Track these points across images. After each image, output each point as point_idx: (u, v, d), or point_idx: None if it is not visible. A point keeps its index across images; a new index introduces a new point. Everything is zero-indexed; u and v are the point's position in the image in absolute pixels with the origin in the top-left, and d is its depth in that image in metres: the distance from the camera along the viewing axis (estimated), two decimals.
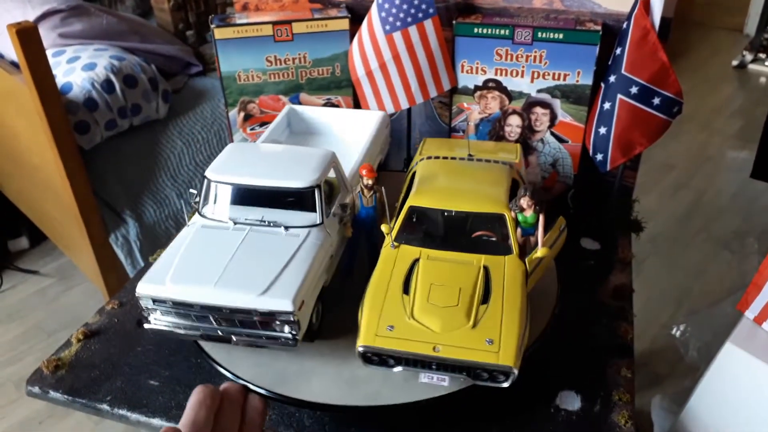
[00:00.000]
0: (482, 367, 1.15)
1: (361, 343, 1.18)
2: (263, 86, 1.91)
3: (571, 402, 1.37)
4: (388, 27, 1.75)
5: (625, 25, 1.67)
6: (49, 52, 2.93)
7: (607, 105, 1.72)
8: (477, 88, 1.86)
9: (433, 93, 1.85)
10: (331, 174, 1.43)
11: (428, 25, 1.75)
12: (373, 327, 1.19)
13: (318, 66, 1.90)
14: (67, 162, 2.73)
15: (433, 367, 1.18)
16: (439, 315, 1.20)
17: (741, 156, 4.76)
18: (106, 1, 3.85)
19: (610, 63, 1.71)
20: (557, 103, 1.82)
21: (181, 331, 1.28)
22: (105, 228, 2.87)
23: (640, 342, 3.07)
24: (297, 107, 1.89)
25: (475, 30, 1.77)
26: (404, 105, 1.86)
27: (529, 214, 1.32)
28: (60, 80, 2.84)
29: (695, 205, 4.24)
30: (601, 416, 1.34)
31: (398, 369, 1.20)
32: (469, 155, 1.60)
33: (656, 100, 1.68)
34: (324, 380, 1.27)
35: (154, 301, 1.25)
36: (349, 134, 1.82)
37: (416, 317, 1.20)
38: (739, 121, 5.27)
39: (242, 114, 1.94)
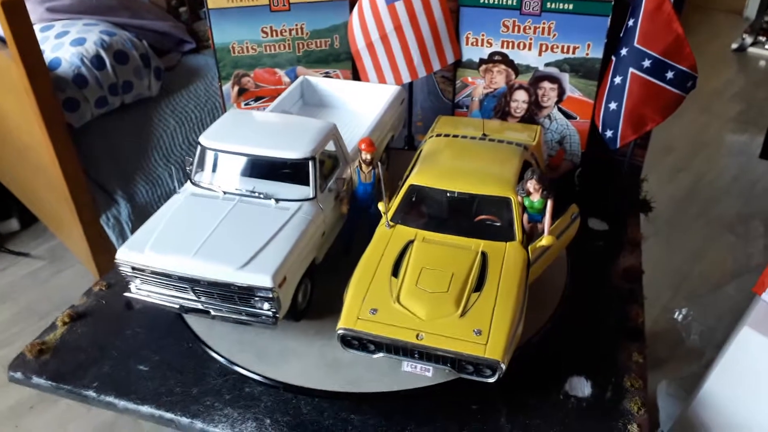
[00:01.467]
0: (467, 359, 1.07)
1: (341, 326, 1.12)
2: (258, 58, 1.82)
3: (581, 388, 1.30)
4: None
5: None
6: (36, 27, 2.83)
7: (618, 79, 1.64)
8: (482, 61, 1.78)
9: (436, 66, 1.77)
10: (332, 148, 1.36)
11: None
12: (356, 309, 1.12)
13: (316, 38, 1.82)
14: (56, 140, 2.63)
15: (416, 355, 1.11)
16: (426, 301, 1.12)
17: (741, 139, 4.69)
18: None
19: (621, 35, 1.64)
20: (565, 78, 1.74)
21: (161, 302, 1.22)
22: (96, 208, 2.79)
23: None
24: (311, 78, 1.81)
25: (482, 0, 1.69)
26: (406, 79, 1.78)
27: (536, 198, 1.25)
28: (48, 56, 2.74)
29: (695, 188, 4.18)
30: (613, 403, 1.27)
31: (379, 355, 1.14)
32: (483, 134, 1.53)
33: (670, 74, 1.61)
34: (305, 362, 1.22)
35: (133, 268, 1.19)
36: (364, 108, 1.75)
37: (402, 302, 1.13)
38: (739, 104, 5.19)
39: (236, 88, 1.86)
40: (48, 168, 2.82)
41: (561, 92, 1.76)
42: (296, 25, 1.79)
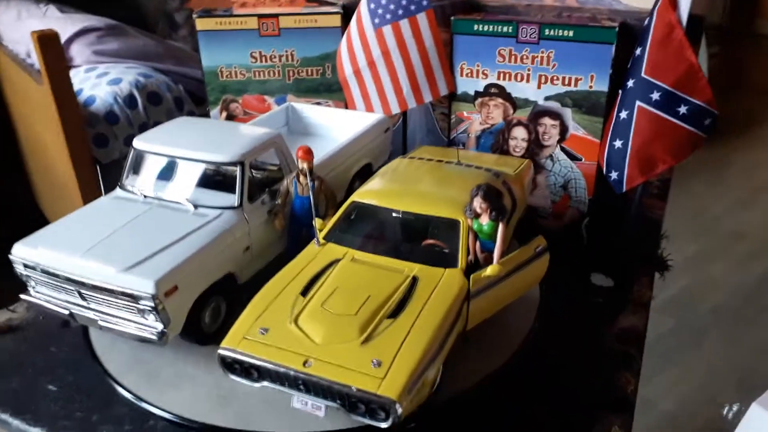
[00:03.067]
0: (357, 396, 0.88)
1: (222, 345, 0.95)
2: (247, 84, 1.76)
3: None
4: (377, 20, 1.58)
5: (646, 22, 1.42)
6: (82, 68, 2.96)
7: (624, 114, 1.45)
8: (478, 94, 1.64)
9: (428, 98, 1.64)
10: (276, 160, 1.24)
11: (422, 19, 1.57)
12: (244, 328, 0.96)
13: (307, 65, 1.75)
14: (81, 173, 2.67)
15: (301, 387, 0.93)
16: (326, 323, 0.95)
17: None
18: (165, 29, 3.91)
19: (629, 66, 1.46)
20: (568, 113, 1.56)
21: (53, 306, 1.12)
22: None
23: (691, 421, 2.64)
24: (296, 104, 1.73)
25: (475, 27, 1.57)
26: (395, 109, 1.66)
27: (485, 221, 1.07)
28: (86, 93, 2.84)
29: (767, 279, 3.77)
30: None
31: (261, 385, 0.96)
32: (457, 162, 1.37)
33: (683, 109, 1.40)
34: (197, 390, 1.07)
35: (25, 266, 1.09)
36: (346, 136, 1.63)
37: (299, 323, 0.96)
38: None
39: (224, 114, 1.80)
40: (73, 200, 2.86)
41: (563, 130, 1.58)
42: (286, 51, 1.72)
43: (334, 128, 1.66)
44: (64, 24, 3.04)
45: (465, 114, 1.67)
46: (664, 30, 1.39)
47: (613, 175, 1.49)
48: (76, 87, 2.74)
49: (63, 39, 2.78)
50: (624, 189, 1.49)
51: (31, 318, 1.46)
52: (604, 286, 1.53)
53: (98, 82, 2.88)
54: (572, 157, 1.60)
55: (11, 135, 3.40)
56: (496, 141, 1.66)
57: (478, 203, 1.05)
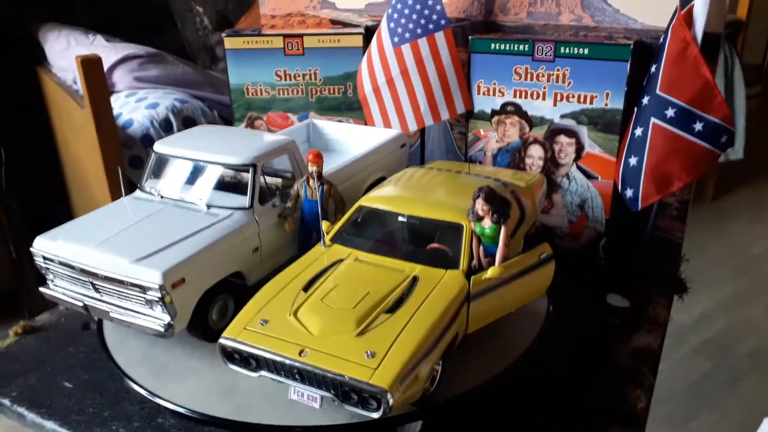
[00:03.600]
0: (350, 385, 0.89)
1: (223, 335, 0.98)
2: (272, 102, 1.82)
3: None
4: (396, 39, 1.62)
5: (662, 39, 1.43)
6: (123, 93, 3.09)
7: (639, 131, 1.45)
8: (494, 112, 1.66)
9: (445, 115, 1.67)
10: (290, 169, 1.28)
11: (440, 37, 1.60)
12: (246, 319, 0.99)
13: (329, 84, 1.80)
14: (116, 193, 2.76)
15: (297, 377, 0.94)
16: (324, 316, 0.97)
17: None
18: (206, 61, 4.06)
19: (644, 83, 1.47)
20: (584, 131, 1.57)
21: (68, 299, 1.16)
22: None
23: None
24: (317, 121, 1.78)
25: (492, 46, 1.60)
26: (413, 126, 1.68)
27: (488, 225, 1.07)
28: (124, 117, 2.95)
29: None
30: None
31: (259, 374, 0.98)
32: (467, 172, 1.39)
33: (698, 126, 1.40)
34: (200, 384, 1.09)
35: (45, 258, 1.14)
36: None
37: (298, 316, 0.98)
38: None
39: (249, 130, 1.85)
40: None
41: (579, 148, 1.58)
42: (309, 70, 1.78)
43: (354, 144, 1.69)
44: (109, 52, 3.18)
45: (482, 132, 1.69)
46: (678, 47, 1.39)
47: (629, 192, 1.49)
48: (116, 111, 2.86)
49: (106, 66, 2.92)
50: (640, 207, 1.47)
51: (54, 320, 1.51)
52: (621, 306, 1.50)
53: (137, 106, 3.00)
54: (588, 176, 1.60)
55: (54, 157, 3.54)
56: (512, 159, 1.67)
57: (479, 205, 1.06)
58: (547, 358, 1.29)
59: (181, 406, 1.02)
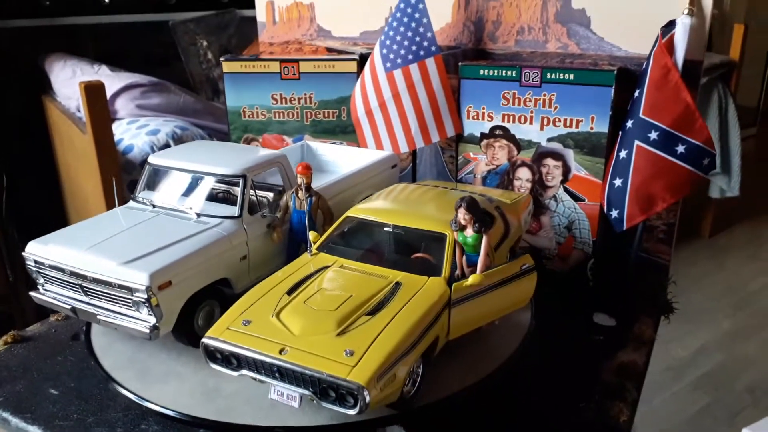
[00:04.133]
0: (328, 382, 0.90)
1: (207, 334, 1.00)
2: (267, 124, 1.86)
3: None
4: (389, 64, 1.67)
5: (644, 66, 1.48)
6: (125, 120, 3.15)
7: (623, 153, 1.49)
8: (483, 136, 1.70)
9: (435, 138, 1.71)
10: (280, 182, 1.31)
11: (430, 63, 1.66)
12: (229, 320, 1.01)
13: (324, 108, 1.85)
14: None
15: (277, 375, 0.95)
16: (306, 317, 0.99)
17: None
18: (208, 93, 4.13)
19: (628, 108, 1.51)
20: (570, 154, 1.61)
21: (58, 302, 1.18)
22: None
23: None
24: (311, 142, 1.82)
25: (481, 72, 1.65)
26: (403, 148, 1.73)
27: (470, 234, 1.10)
28: (125, 143, 3.00)
29: None
30: None
31: (240, 373, 0.99)
32: (455, 187, 1.43)
33: (680, 148, 1.43)
34: (183, 386, 1.10)
35: (36, 262, 1.16)
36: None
37: (281, 317, 1.00)
38: None
39: None
40: None
41: (566, 170, 1.62)
42: (305, 94, 1.83)
43: (346, 164, 1.73)
44: (112, 80, 3.25)
45: (471, 155, 1.73)
46: (660, 72, 1.44)
47: (614, 213, 1.51)
48: (117, 136, 2.91)
49: (109, 93, 2.99)
50: (625, 227, 1.50)
51: (44, 330, 1.53)
52: (607, 325, 1.51)
53: (138, 132, 3.05)
54: (575, 198, 1.63)
55: (55, 182, 3.59)
56: (501, 181, 1.71)
57: (461, 215, 1.09)
58: (530, 371, 1.30)
59: (165, 407, 1.03)
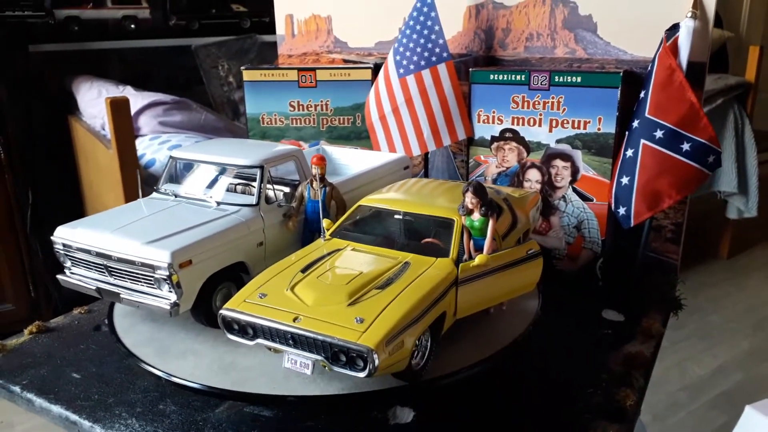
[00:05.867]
0: (339, 346, 0.95)
1: (224, 307, 1.05)
2: (285, 131, 1.93)
3: None
4: (402, 70, 1.74)
5: (649, 67, 1.52)
6: (148, 137, 3.25)
7: (630, 152, 1.53)
8: (494, 139, 1.75)
9: (446, 141, 1.76)
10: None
11: (442, 69, 1.72)
12: (246, 293, 1.06)
13: (339, 114, 1.91)
14: None
15: (290, 342, 0.99)
16: (319, 290, 1.04)
17: None
18: (228, 114, 4.24)
19: (634, 109, 1.55)
20: (578, 155, 1.65)
21: (84, 284, 1.24)
22: None
23: None
24: (327, 146, 1.88)
25: (491, 77, 1.70)
26: (416, 151, 1.78)
27: (477, 217, 1.14)
28: (147, 157, 3.10)
29: None
30: None
31: (256, 342, 1.04)
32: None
33: (686, 146, 1.47)
34: (200, 361, 1.16)
35: (64, 245, 1.22)
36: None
37: (295, 290, 1.05)
38: None
39: None
40: None
41: (575, 171, 1.66)
42: (321, 101, 1.90)
43: (360, 167, 1.79)
44: (136, 99, 3.36)
45: (482, 158, 1.77)
46: (665, 73, 1.48)
47: (621, 210, 1.55)
48: (139, 152, 3.00)
49: (133, 110, 3.09)
50: (632, 224, 1.53)
51: (67, 322, 1.58)
52: (615, 320, 1.53)
53: (160, 147, 3.14)
54: (584, 198, 1.66)
55: (78, 199, 3.69)
56: (511, 183, 1.75)
57: (468, 199, 1.13)
58: (538, 358, 1.33)
59: (183, 379, 1.07)
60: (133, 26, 4.08)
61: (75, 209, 3.68)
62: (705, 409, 3.27)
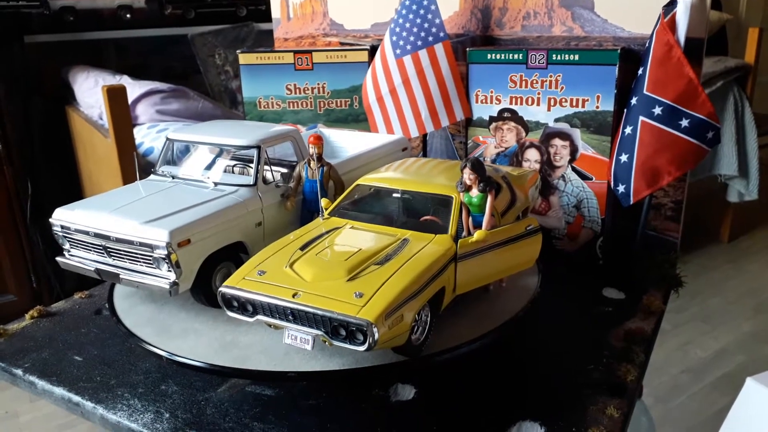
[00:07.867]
0: (339, 321, 0.95)
1: (224, 284, 1.05)
2: (282, 114, 1.92)
3: None
4: (398, 51, 1.73)
5: (647, 44, 1.51)
6: (145, 125, 3.24)
7: (628, 129, 1.52)
8: (492, 119, 1.74)
9: (445, 122, 1.76)
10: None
11: (439, 49, 1.71)
12: (245, 271, 1.06)
13: (336, 97, 1.90)
14: None
15: (290, 317, 0.99)
16: (318, 266, 1.04)
17: None
18: (226, 104, 4.23)
19: (632, 86, 1.54)
20: (577, 134, 1.64)
21: (83, 265, 1.23)
22: None
23: None
24: (324, 129, 1.88)
25: (489, 56, 1.70)
26: (414, 133, 1.77)
27: (475, 194, 1.14)
28: (146, 145, 3.09)
29: None
30: None
31: (256, 318, 1.04)
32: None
33: (684, 122, 1.46)
34: (201, 340, 1.16)
35: (62, 227, 1.22)
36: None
37: (294, 267, 1.05)
38: None
39: None
40: None
41: (573, 150, 1.65)
42: (318, 84, 1.89)
43: (358, 149, 1.78)
44: (133, 87, 3.35)
45: (481, 138, 1.77)
46: (663, 49, 1.47)
47: (621, 188, 1.54)
48: (137, 140, 3.00)
49: (131, 99, 3.08)
50: (631, 201, 1.53)
51: (68, 307, 1.58)
52: (616, 298, 1.53)
53: (158, 136, 3.14)
54: (583, 177, 1.66)
55: (77, 189, 3.69)
56: (510, 163, 1.74)
57: (467, 175, 1.13)
58: (539, 335, 1.33)
59: (184, 357, 1.07)
60: (128, 16, 4.05)
61: (74, 200, 3.67)
62: (707, 390, 3.28)
